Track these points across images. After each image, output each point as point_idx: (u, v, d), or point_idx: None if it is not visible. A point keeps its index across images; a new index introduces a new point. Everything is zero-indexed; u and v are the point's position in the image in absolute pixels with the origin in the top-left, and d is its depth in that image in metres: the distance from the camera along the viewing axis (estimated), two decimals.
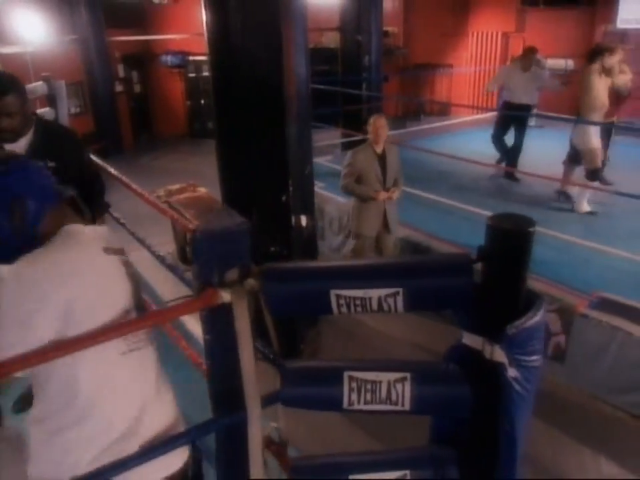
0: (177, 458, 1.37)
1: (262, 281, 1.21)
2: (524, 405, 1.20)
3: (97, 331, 1.18)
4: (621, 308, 3.61)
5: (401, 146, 5.03)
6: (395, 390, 1.24)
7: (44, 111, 5.37)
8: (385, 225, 4.47)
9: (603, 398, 3.56)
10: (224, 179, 4.08)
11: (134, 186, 2.23)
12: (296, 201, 3.89)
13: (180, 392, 1.49)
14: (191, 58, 11.45)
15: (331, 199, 5.85)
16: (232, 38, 3.58)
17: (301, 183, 3.96)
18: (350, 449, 1.54)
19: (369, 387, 1.24)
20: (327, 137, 8.58)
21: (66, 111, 5.87)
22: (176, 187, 7.08)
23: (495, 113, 9.25)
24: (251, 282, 1.21)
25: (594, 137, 5.38)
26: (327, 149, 8.25)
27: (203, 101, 11.58)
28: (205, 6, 3.66)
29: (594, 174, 5.41)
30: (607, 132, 5.73)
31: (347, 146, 8.52)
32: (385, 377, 1.25)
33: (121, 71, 11.72)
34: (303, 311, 1.29)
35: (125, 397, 1.30)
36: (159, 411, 1.37)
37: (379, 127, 4.28)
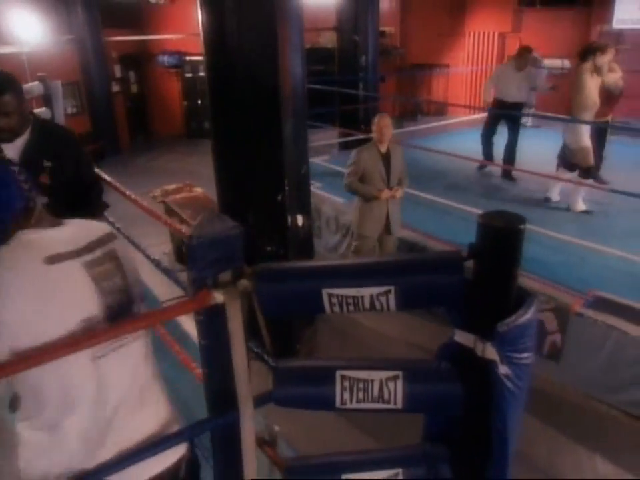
0: (167, 458, 1.36)
1: (255, 282, 1.21)
2: (515, 402, 1.20)
3: (68, 339, 1.16)
4: (616, 307, 3.62)
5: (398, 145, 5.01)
6: (387, 388, 1.24)
7: (40, 111, 5.37)
8: (387, 226, 4.45)
9: (598, 396, 3.58)
10: (220, 179, 4.08)
11: (128, 192, 2.23)
12: (292, 200, 3.89)
13: (178, 392, 1.49)
14: (187, 58, 11.46)
15: (328, 199, 5.86)
16: (228, 38, 3.58)
17: (297, 183, 3.96)
18: (345, 448, 1.54)
19: (361, 385, 1.25)
20: (324, 137, 8.58)
21: (62, 111, 5.87)
22: (172, 186, 7.11)
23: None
24: (243, 283, 1.21)
25: (585, 135, 5.39)
26: (324, 149, 8.24)
27: (199, 101, 11.59)
28: (201, 6, 3.66)
29: (588, 172, 5.43)
30: (602, 131, 5.74)
31: (344, 146, 8.55)
32: (377, 375, 1.25)
33: (117, 71, 11.72)
34: (295, 310, 1.29)
35: (97, 403, 1.26)
36: (145, 412, 1.34)
37: (384, 126, 4.28)
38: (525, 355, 1.19)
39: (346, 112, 8.64)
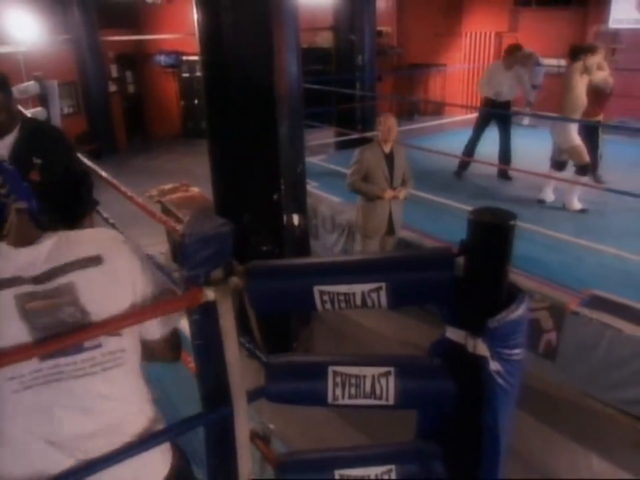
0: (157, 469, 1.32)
1: (246, 279, 1.22)
2: (507, 399, 1.21)
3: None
4: (612, 305, 3.63)
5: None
6: (379, 384, 1.25)
7: (36, 111, 5.36)
8: (389, 226, 4.41)
9: (594, 395, 3.59)
10: (216, 179, 4.09)
11: (123, 188, 2.23)
12: (288, 199, 3.89)
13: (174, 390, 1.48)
14: (184, 58, 11.47)
15: (325, 198, 5.85)
16: (223, 37, 3.58)
17: (293, 182, 3.96)
18: (339, 445, 1.54)
19: (353, 381, 1.25)
20: (321, 137, 8.58)
21: (58, 110, 5.87)
22: (169, 186, 7.10)
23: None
24: (234, 280, 1.22)
25: (574, 134, 5.40)
26: (321, 149, 8.25)
27: (196, 101, 11.59)
28: (197, 5, 3.66)
29: (584, 169, 5.44)
30: (593, 130, 5.74)
31: (340, 145, 8.55)
32: (369, 371, 1.25)
33: (114, 71, 11.73)
34: (287, 307, 1.29)
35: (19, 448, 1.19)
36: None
37: (390, 125, 4.23)
38: (516, 351, 1.19)
39: (343, 112, 8.64)
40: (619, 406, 3.47)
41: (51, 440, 1.20)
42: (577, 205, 5.50)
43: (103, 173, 2.67)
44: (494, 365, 1.16)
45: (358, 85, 8.67)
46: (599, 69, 5.49)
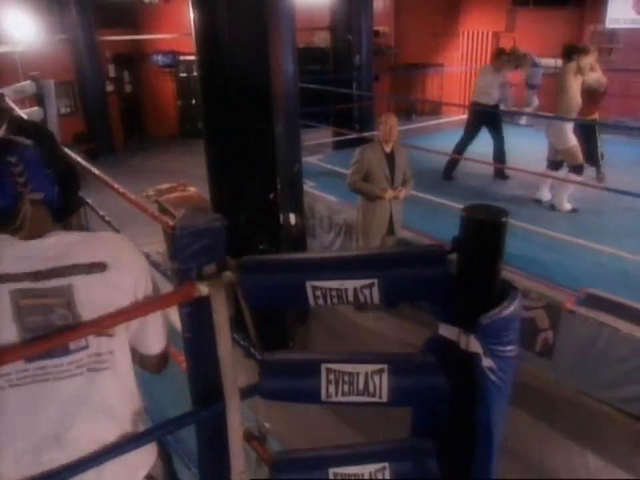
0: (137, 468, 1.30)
1: (239, 274, 1.22)
2: (499, 395, 1.21)
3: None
4: (608, 304, 3.63)
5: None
6: (372, 381, 1.25)
7: (32, 110, 5.35)
8: (390, 226, 4.38)
9: (590, 393, 3.59)
10: (212, 178, 4.09)
11: (116, 185, 2.23)
12: (284, 199, 3.90)
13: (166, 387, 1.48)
14: (181, 58, 11.46)
15: (322, 198, 5.85)
16: (219, 37, 3.59)
17: (290, 181, 3.97)
18: (334, 443, 1.54)
19: (346, 378, 1.25)
20: (319, 136, 8.58)
21: (55, 110, 5.85)
22: (166, 186, 7.10)
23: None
24: (228, 275, 1.22)
25: (570, 134, 5.41)
26: (318, 148, 8.25)
27: (194, 101, 11.58)
28: (193, 5, 3.66)
29: (578, 169, 5.45)
30: (589, 129, 5.74)
31: (337, 145, 8.56)
32: (363, 368, 1.25)
33: (111, 70, 11.72)
34: (280, 302, 1.29)
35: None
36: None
37: (392, 125, 4.19)
38: (509, 347, 1.19)
39: (340, 111, 8.64)
40: (615, 404, 3.48)
41: (34, 440, 1.19)
42: (566, 206, 5.51)
43: (100, 173, 2.66)
44: (487, 362, 1.16)
45: (355, 84, 8.66)
46: (591, 70, 5.50)
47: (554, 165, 5.69)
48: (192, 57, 11.04)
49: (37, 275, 1.14)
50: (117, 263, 1.21)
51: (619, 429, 3.40)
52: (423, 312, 4.16)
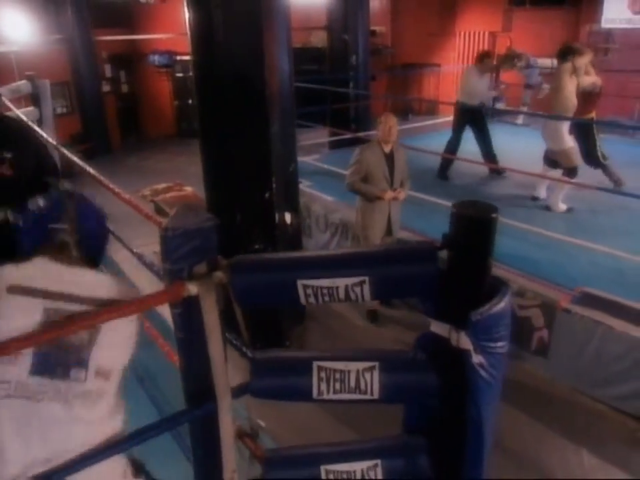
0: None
1: (230, 273, 1.22)
2: (490, 391, 1.21)
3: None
4: (603, 303, 3.65)
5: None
6: (363, 379, 1.25)
7: (28, 110, 5.35)
8: (388, 227, 4.34)
9: (585, 391, 3.60)
10: (208, 177, 4.08)
11: (111, 185, 2.22)
12: (280, 198, 3.89)
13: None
14: (178, 57, 11.43)
15: (318, 197, 5.85)
16: (214, 36, 3.58)
17: (285, 181, 3.96)
18: (330, 439, 1.54)
19: (337, 376, 1.25)
20: (315, 136, 8.59)
21: (51, 109, 5.85)
22: (162, 186, 7.17)
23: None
24: (218, 274, 1.21)
25: (566, 136, 5.43)
26: (315, 148, 8.26)
27: (190, 101, 11.55)
28: (188, 5, 3.66)
29: (572, 171, 5.46)
30: (586, 129, 5.75)
31: (334, 145, 8.56)
32: (354, 366, 1.25)
33: (108, 70, 11.69)
34: (271, 301, 1.29)
35: None
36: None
37: (391, 125, 4.16)
38: (500, 344, 1.20)
39: (337, 111, 8.65)
40: (610, 402, 3.49)
41: (27, 459, 1.22)
42: (561, 206, 5.53)
43: (94, 172, 2.66)
44: (477, 358, 1.16)
45: (352, 84, 8.67)
46: (586, 74, 5.52)
47: (551, 162, 5.70)
48: (188, 57, 11.02)
49: (68, 297, 1.25)
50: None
51: (614, 426, 3.41)
52: (419, 312, 4.16)
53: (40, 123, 5.39)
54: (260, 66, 3.61)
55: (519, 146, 7.52)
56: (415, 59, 12.66)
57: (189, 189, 6.19)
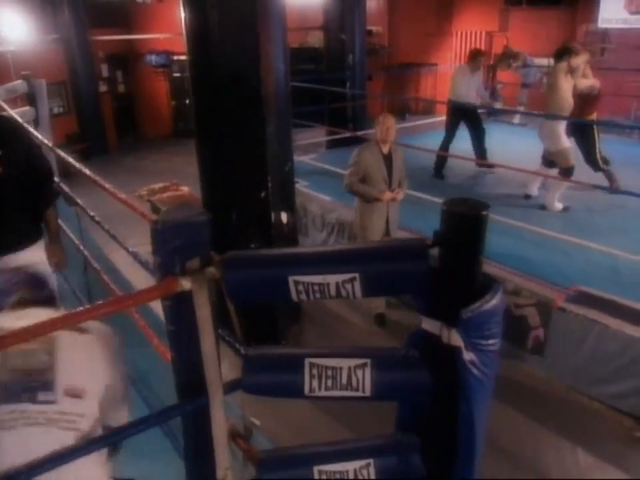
0: None
1: (222, 269, 1.21)
2: (482, 389, 1.21)
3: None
4: (598, 301, 3.65)
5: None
6: (355, 376, 1.25)
7: (24, 110, 5.33)
8: (386, 227, 4.31)
9: (581, 390, 3.61)
10: (204, 177, 4.08)
11: (106, 185, 2.22)
12: (276, 197, 3.89)
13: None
14: (175, 57, 11.41)
15: (315, 197, 5.85)
16: (210, 36, 3.58)
17: (281, 180, 3.96)
18: (326, 439, 1.54)
19: (329, 373, 1.25)
20: (312, 136, 8.59)
21: (47, 109, 5.83)
22: (159, 185, 7.16)
23: (480, 111, 9.35)
24: (211, 270, 1.21)
25: (563, 137, 5.44)
26: (312, 148, 8.26)
27: (187, 101, 11.51)
28: (184, 4, 3.66)
29: (568, 171, 5.47)
30: (585, 130, 5.76)
31: (331, 144, 8.57)
32: (346, 363, 1.25)
33: (104, 70, 11.66)
34: (263, 297, 1.29)
35: None
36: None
37: (389, 125, 4.13)
38: (491, 341, 1.20)
39: (334, 111, 8.65)
40: (606, 401, 3.50)
41: None
42: (557, 205, 5.54)
43: (88, 171, 2.66)
44: (468, 355, 1.16)
45: (348, 84, 8.67)
46: (584, 76, 5.53)
47: (549, 162, 5.71)
48: (185, 57, 11.02)
49: None
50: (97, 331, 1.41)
51: (610, 425, 3.42)
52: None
53: (36, 122, 5.38)
54: (256, 65, 3.61)
55: (516, 145, 7.53)
56: (412, 59, 12.68)
57: (185, 189, 6.19)
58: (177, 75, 11.72)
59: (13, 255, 2.76)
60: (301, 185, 5.98)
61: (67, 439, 1.27)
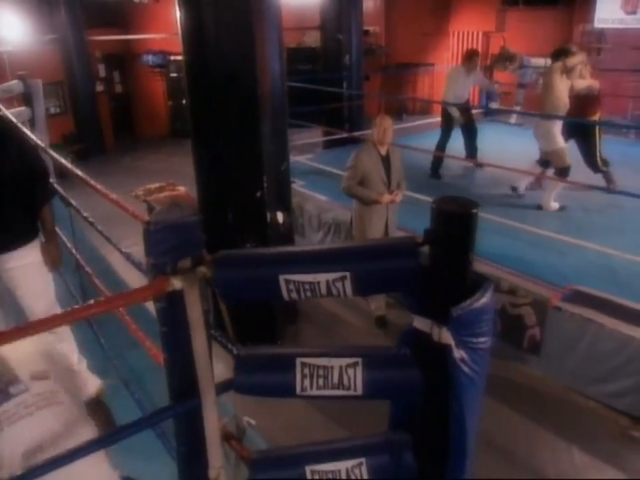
0: None
1: (214, 268, 1.21)
2: (472, 387, 1.21)
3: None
4: (594, 300, 3.66)
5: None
6: (347, 375, 1.25)
7: (20, 110, 5.32)
8: (385, 229, 4.29)
9: (577, 389, 3.61)
10: (200, 177, 4.08)
11: (98, 186, 2.22)
12: (271, 197, 3.89)
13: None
14: (172, 58, 11.41)
15: (311, 197, 5.86)
16: (205, 35, 3.58)
17: (277, 180, 3.97)
18: (323, 438, 1.54)
19: (321, 372, 1.25)
20: (309, 136, 8.60)
21: (43, 109, 5.81)
22: (155, 185, 7.13)
23: (477, 111, 9.37)
24: (202, 269, 1.21)
25: (558, 136, 5.45)
26: (309, 148, 8.26)
27: (184, 101, 11.51)
28: (179, 4, 3.66)
29: (564, 171, 5.48)
30: (586, 132, 5.76)
31: (328, 144, 8.58)
32: (337, 362, 1.25)
33: (101, 70, 11.66)
34: (254, 296, 1.29)
35: None
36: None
37: (386, 127, 4.10)
38: (482, 339, 1.19)
39: (330, 111, 8.65)
40: (602, 400, 3.50)
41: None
42: (553, 205, 5.54)
43: (80, 172, 2.65)
44: (458, 353, 1.16)
45: (345, 84, 8.68)
46: (580, 78, 5.54)
47: (544, 162, 5.73)
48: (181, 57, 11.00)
49: None
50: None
51: (605, 424, 3.42)
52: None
53: (32, 123, 5.36)
54: (251, 65, 3.62)
55: (512, 145, 7.54)
56: (409, 59, 12.69)
57: (181, 189, 6.17)
58: (174, 75, 11.71)
59: (7, 254, 2.76)
60: (298, 185, 5.99)
61: (54, 415, 1.34)
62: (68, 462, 1.19)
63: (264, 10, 3.59)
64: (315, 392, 1.26)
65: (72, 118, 10.50)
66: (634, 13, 9.18)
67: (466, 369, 1.17)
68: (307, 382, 1.25)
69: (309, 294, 1.17)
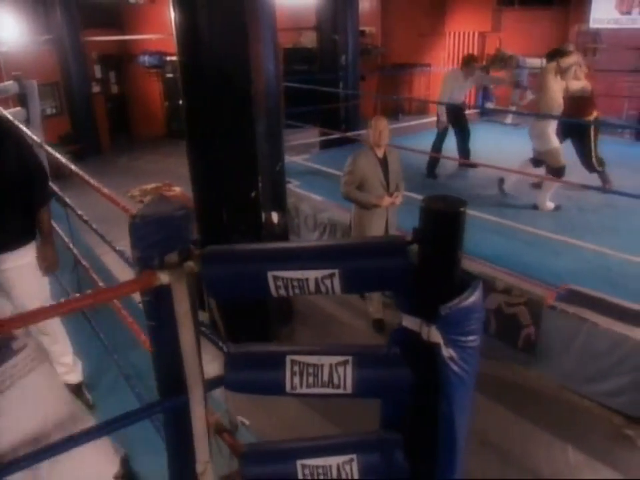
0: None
1: (201, 264, 1.21)
2: (462, 385, 1.21)
3: None
4: (588, 300, 3.66)
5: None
6: (336, 373, 1.25)
7: (15, 111, 5.31)
8: (385, 231, 4.22)
9: (572, 388, 3.62)
10: (195, 177, 4.08)
11: (92, 181, 2.21)
12: (266, 197, 3.89)
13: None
14: (168, 58, 11.38)
15: (306, 197, 5.85)
16: (200, 36, 3.58)
17: (272, 180, 3.96)
18: (314, 434, 1.54)
19: (310, 370, 1.25)
20: (306, 136, 8.59)
21: (38, 110, 5.81)
22: (151, 186, 7.15)
23: (473, 111, 9.39)
24: (190, 264, 1.21)
25: (552, 136, 5.46)
26: (305, 148, 8.26)
27: (180, 102, 11.50)
28: (173, 5, 3.65)
29: (559, 171, 5.49)
30: (582, 132, 5.77)
31: (324, 145, 8.58)
32: (327, 360, 1.25)
33: (97, 71, 11.64)
34: (242, 292, 1.29)
35: None
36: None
37: (382, 129, 4.03)
38: (471, 337, 1.20)
39: (327, 111, 8.66)
40: (596, 399, 3.51)
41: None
42: (548, 205, 5.55)
43: (76, 169, 2.65)
44: (447, 352, 1.16)
45: (341, 84, 8.68)
46: (575, 79, 5.55)
47: (536, 162, 5.74)
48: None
49: None
50: None
51: (600, 423, 3.42)
52: None
53: (27, 123, 5.35)
54: (246, 66, 3.61)
55: (507, 145, 7.54)
56: (405, 59, 12.71)
57: (177, 189, 6.18)
58: (170, 75, 11.70)
59: (4, 254, 2.74)
60: (294, 185, 5.99)
61: (34, 379, 1.33)
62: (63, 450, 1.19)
63: (257, 10, 3.58)
64: (304, 390, 1.26)
65: (68, 119, 10.47)
66: (629, 13, 9.22)
67: (455, 367, 1.17)
68: (296, 380, 1.26)
69: (297, 291, 1.17)
